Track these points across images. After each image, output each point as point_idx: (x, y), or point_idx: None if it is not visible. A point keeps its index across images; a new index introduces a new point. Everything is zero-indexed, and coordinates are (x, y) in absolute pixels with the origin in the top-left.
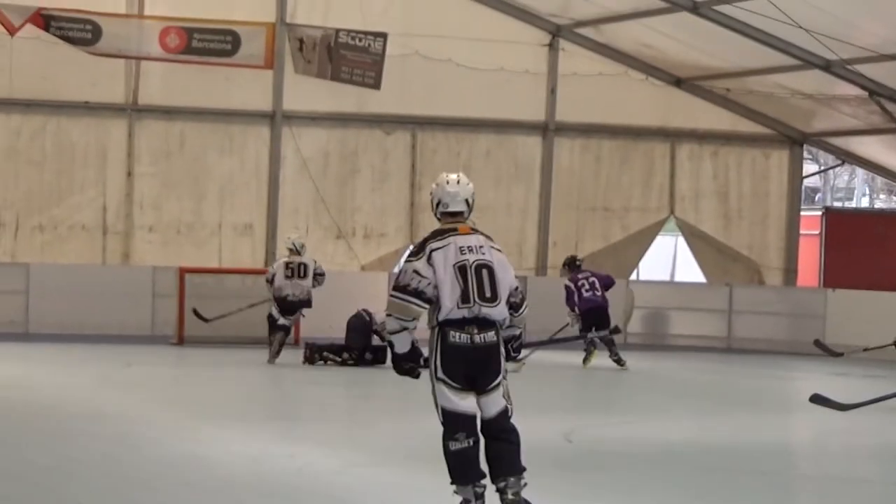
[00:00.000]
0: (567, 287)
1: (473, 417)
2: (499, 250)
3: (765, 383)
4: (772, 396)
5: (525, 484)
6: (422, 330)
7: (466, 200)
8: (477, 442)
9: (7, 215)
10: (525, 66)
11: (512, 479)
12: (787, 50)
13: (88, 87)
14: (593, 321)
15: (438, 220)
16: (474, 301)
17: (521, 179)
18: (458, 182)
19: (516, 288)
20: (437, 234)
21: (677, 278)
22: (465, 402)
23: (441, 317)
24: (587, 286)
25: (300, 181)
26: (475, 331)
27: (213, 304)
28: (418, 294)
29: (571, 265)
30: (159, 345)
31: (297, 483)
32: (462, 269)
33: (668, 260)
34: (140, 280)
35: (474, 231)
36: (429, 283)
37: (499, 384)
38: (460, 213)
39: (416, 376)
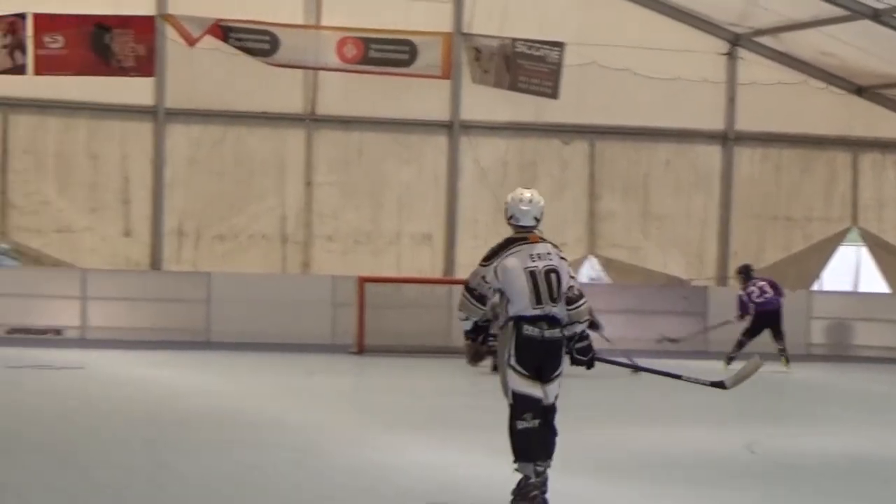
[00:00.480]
0: (740, 297)
1: (540, 401)
2: (563, 258)
3: None
4: None
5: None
6: None
7: (535, 217)
8: (542, 424)
9: (188, 225)
10: (703, 75)
11: (550, 461)
12: None
13: (267, 98)
14: (766, 323)
15: (511, 227)
16: (545, 301)
17: (700, 188)
18: (531, 200)
19: (570, 287)
20: (509, 244)
21: (861, 289)
22: (533, 389)
23: (514, 313)
24: (757, 292)
25: (478, 191)
26: (545, 326)
27: (392, 313)
28: (481, 298)
29: (746, 274)
30: (339, 354)
31: (484, 495)
32: (532, 274)
33: (852, 270)
34: (319, 289)
35: (542, 240)
36: (491, 288)
37: (559, 375)
38: (530, 227)
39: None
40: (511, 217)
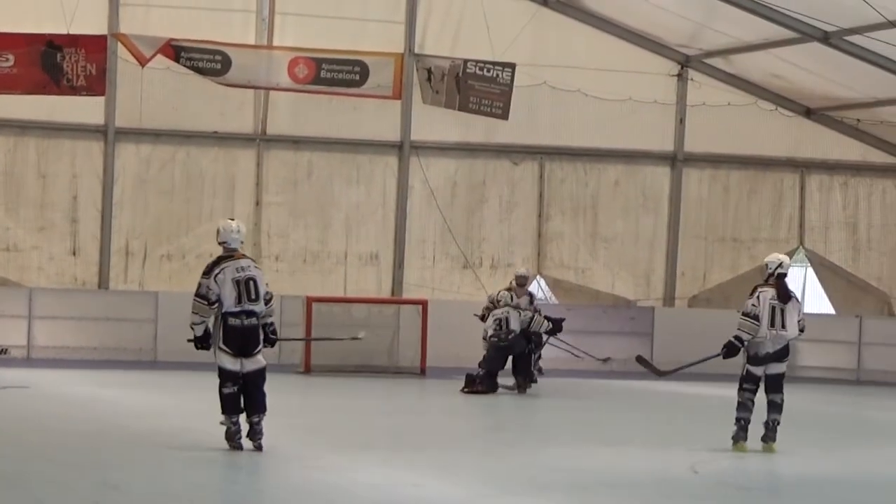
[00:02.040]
0: None
1: (238, 373)
2: (258, 268)
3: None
4: None
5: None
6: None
7: (241, 241)
8: (239, 390)
9: (136, 244)
10: (654, 97)
11: (261, 415)
12: None
13: (217, 117)
14: None
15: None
16: (244, 301)
17: (649, 210)
18: (239, 230)
19: (267, 292)
20: (221, 261)
21: (806, 309)
22: (234, 364)
23: (224, 310)
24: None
25: (427, 211)
26: (244, 318)
27: (340, 332)
28: (209, 301)
29: None
30: (286, 373)
31: None
32: (237, 282)
33: (797, 291)
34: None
35: (244, 256)
36: (213, 293)
37: (259, 351)
38: (236, 248)
39: (207, 348)
40: (223, 241)
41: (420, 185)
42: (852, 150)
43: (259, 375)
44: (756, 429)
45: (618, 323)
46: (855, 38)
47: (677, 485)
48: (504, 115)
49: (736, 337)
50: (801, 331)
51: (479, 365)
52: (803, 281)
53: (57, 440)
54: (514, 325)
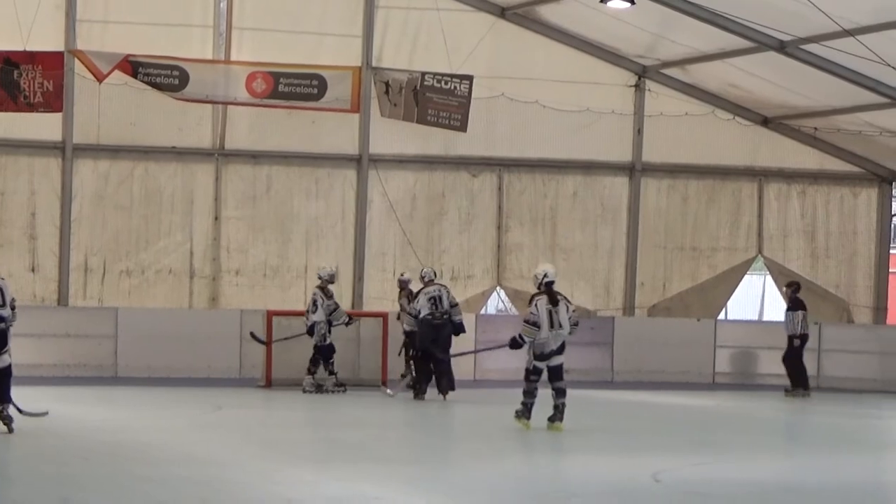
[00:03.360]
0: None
1: None
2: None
3: (855, 422)
4: (862, 435)
5: None
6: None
7: None
8: None
9: (94, 260)
10: (611, 107)
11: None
12: (876, 88)
13: (175, 133)
14: None
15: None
16: None
17: (607, 220)
18: None
19: (13, 299)
20: None
21: (766, 318)
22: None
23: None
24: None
25: (387, 224)
26: None
27: (300, 347)
28: None
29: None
30: (247, 388)
31: None
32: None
33: (757, 299)
34: (227, 323)
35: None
36: None
37: (6, 352)
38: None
39: None
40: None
41: (379, 197)
42: (810, 159)
43: (3, 373)
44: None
45: (578, 333)
46: (811, 47)
47: (640, 493)
48: (462, 128)
49: (519, 335)
50: (575, 325)
51: (410, 348)
52: (762, 289)
53: (16, 456)
54: (446, 305)
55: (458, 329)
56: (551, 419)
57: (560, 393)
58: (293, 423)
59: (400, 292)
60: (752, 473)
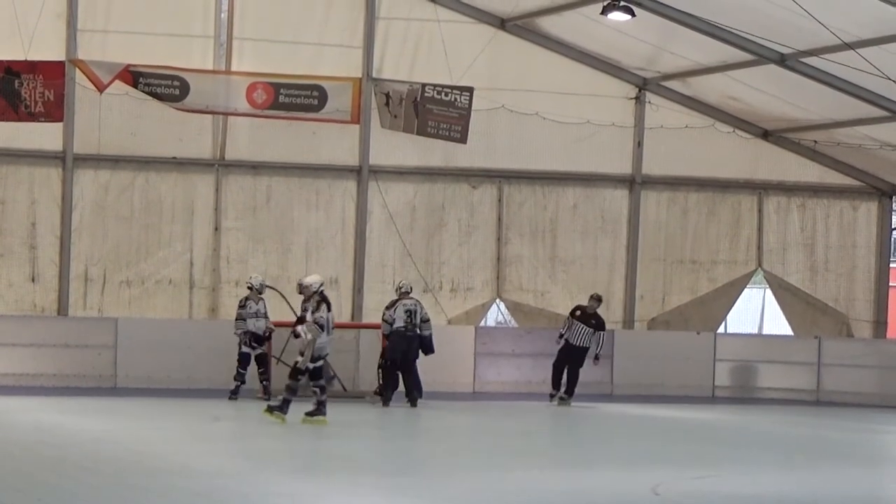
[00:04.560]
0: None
1: None
2: None
3: (854, 436)
4: (861, 450)
5: None
6: None
7: None
8: None
9: (95, 270)
10: (612, 119)
11: None
12: (877, 102)
13: (176, 143)
14: None
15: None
16: None
17: (607, 232)
18: None
19: None
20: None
21: (765, 331)
22: None
23: None
24: None
25: (387, 235)
26: None
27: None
28: None
29: None
30: (247, 399)
31: None
32: None
33: (757, 313)
34: (227, 334)
35: None
36: None
37: None
38: None
39: None
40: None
41: (379, 209)
42: (809, 172)
43: None
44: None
45: None
46: (811, 60)
47: None
48: (462, 139)
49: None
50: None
51: (384, 358)
52: (762, 302)
53: (16, 467)
54: (418, 319)
55: (427, 344)
56: (313, 413)
57: (322, 390)
58: (292, 434)
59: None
60: (751, 487)
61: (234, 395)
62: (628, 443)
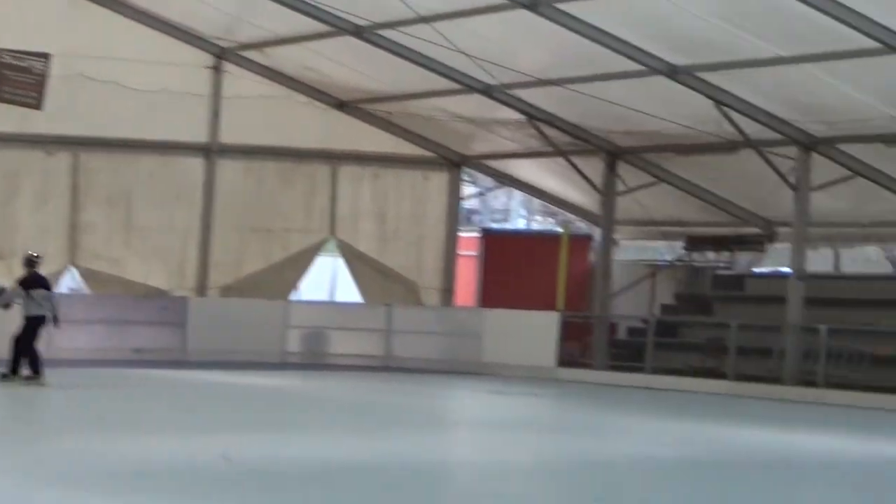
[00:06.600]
0: None
1: None
2: None
3: (420, 401)
4: (427, 415)
5: None
6: None
7: None
8: None
9: None
10: (188, 88)
11: None
12: (449, 74)
13: None
14: None
15: None
16: None
17: (183, 200)
18: None
19: None
20: None
21: (338, 299)
22: None
23: None
24: None
25: None
26: None
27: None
28: None
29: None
30: None
31: None
32: None
33: (329, 280)
34: None
35: None
36: None
37: None
38: None
39: None
40: None
41: None
42: (384, 143)
43: None
44: None
45: (150, 313)
46: (387, 32)
47: (207, 471)
48: (38, 106)
49: None
50: None
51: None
52: (334, 270)
53: None
54: None
55: None
56: None
57: None
58: None
59: None
60: (319, 452)
61: None
62: (200, 409)
